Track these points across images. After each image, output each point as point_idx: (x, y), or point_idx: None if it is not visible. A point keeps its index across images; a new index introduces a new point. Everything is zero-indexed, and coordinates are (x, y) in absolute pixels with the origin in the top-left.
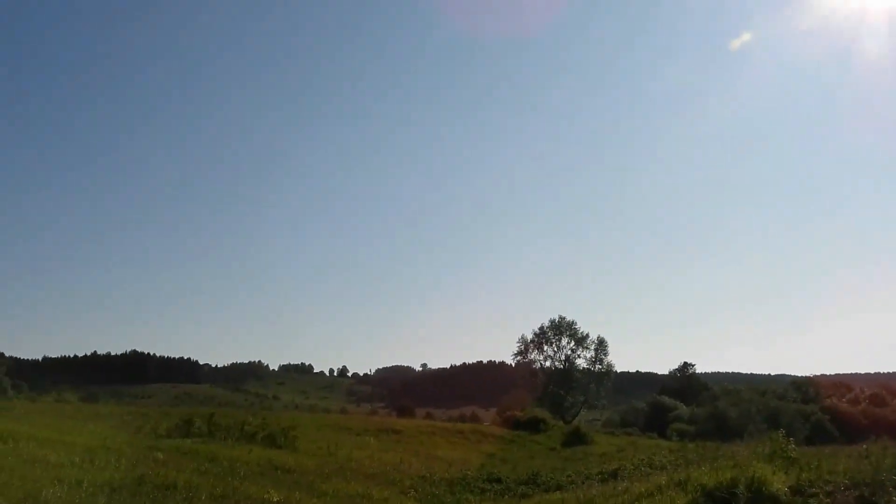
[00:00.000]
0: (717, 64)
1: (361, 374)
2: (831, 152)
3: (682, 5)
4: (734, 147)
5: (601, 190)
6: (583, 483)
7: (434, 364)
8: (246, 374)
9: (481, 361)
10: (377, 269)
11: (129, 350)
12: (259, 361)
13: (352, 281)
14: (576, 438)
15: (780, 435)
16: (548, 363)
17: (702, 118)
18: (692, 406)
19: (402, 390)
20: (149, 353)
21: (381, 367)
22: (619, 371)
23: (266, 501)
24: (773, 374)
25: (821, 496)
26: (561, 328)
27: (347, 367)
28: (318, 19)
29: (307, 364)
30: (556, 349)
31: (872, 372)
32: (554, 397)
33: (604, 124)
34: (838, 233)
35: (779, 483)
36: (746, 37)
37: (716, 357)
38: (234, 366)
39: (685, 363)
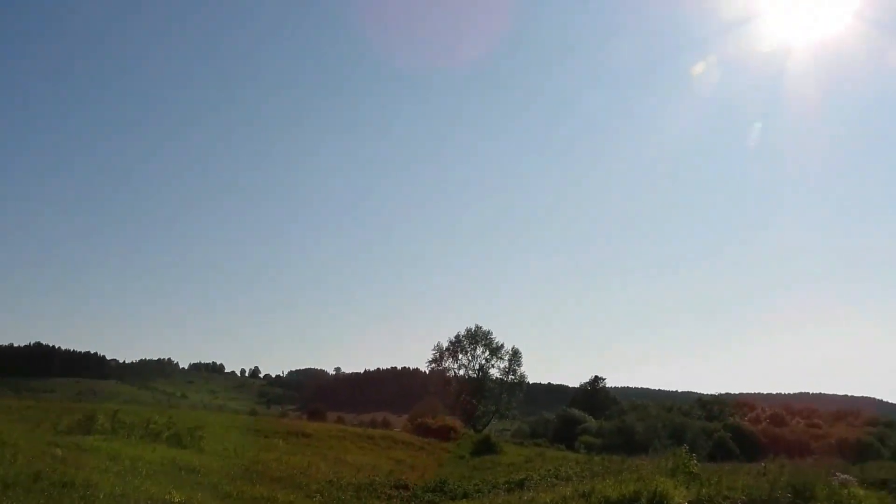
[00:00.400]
0: (646, 93)
1: (274, 376)
2: (753, 182)
3: (606, 34)
4: (656, 171)
5: (522, 204)
6: (489, 492)
7: (348, 368)
8: (154, 372)
9: (396, 367)
10: (293, 270)
11: (32, 342)
12: (168, 359)
13: (266, 281)
14: (485, 447)
15: (684, 451)
16: (462, 372)
17: (630, 142)
18: (601, 419)
19: (314, 394)
20: (53, 346)
21: (294, 369)
22: (531, 382)
23: (167, 502)
24: (680, 390)
25: None
26: (476, 337)
27: (259, 368)
28: (240, 56)
29: (218, 363)
30: (470, 358)
31: (774, 392)
32: (466, 406)
33: (529, 143)
34: (749, 258)
35: (679, 497)
36: (699, 68)
37: (626, 372)
38: (142, 362)
39: (596, 377)
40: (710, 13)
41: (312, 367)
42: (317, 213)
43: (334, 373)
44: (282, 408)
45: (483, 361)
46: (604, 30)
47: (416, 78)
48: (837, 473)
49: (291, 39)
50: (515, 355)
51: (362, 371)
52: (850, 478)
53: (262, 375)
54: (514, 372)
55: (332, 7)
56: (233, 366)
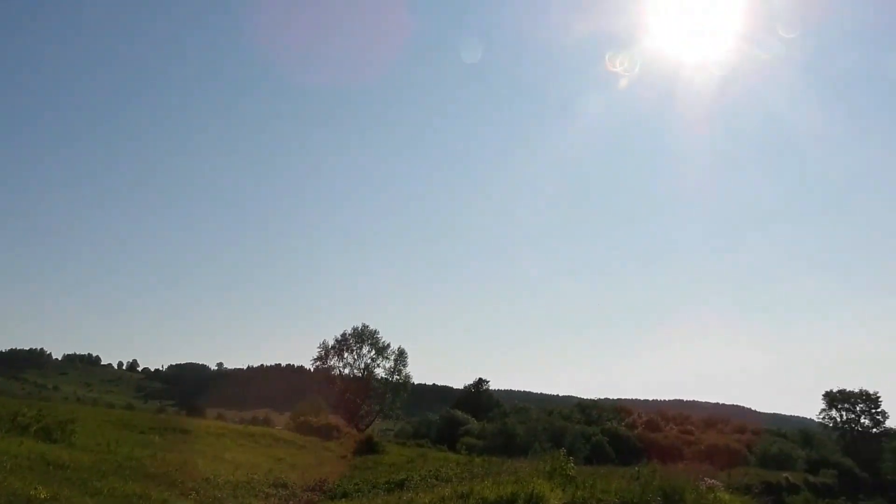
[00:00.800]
0: (543, 106)
1: (153, 370)
2: (642, 194)
3: (507, 51)
4: (549, 180)
5: (413, 206)
6: (369, 492)
7: (231, 364)
8: (25, 362)
9: (280, 365)
10: (177, 262)
11: None
12: (41, 349)
13: (147, 271)
14: (367, 447)
15: (562, 454)
16: (347, 370)
17: (527, 151)
18: (483, 421)
19: (194, 389)
20: None
21: (174, 363)
22: (416, 383)
23: (32, 498)
24: (561, 395)
25: None
26: (363, 336)
27: (138, 362)
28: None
29: (94, 355)
30: (356, 357)
31: (651, 399)
32: (350, 405)
33: (424, 150)
34: (630, 270)
35: (555, 499)
36: (593, 84)
37: (510, 376)
38: (12, 352)
39: (480, 379)
40: (602, 31)
41: (194, 361)
42: (199, 205)
43: (216, 368)
44: (160, 403)
45: (369, 361)
46: (505, 47)
47: (311, 92)
48: (706, 478)
49: (192, 54)
50: (401, 355)
51: (245, 367)
52: (717, 483)
53: (140, 369)
54: (400, 372)
55: (231, 23)
56: (109, 358)
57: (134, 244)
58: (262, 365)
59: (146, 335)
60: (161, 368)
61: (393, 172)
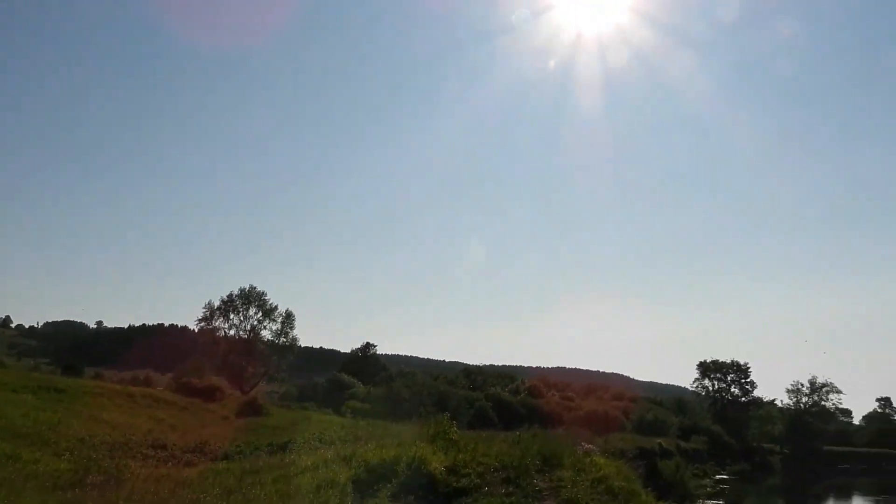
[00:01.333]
0: (441, 79)
1: (27, 327)
2: (539, 168)
3: (405, 19)
4: (442, 151)
5: (304, 170)
6: (251, 454)
7: (111, 322)
8: None
9: (162, 324)
10: (55, 216)
11: None
12: None
13: (21, 222)
14: (251, 409)
15: (446, 418)
16: (232, 332)
17: (423, 126)
18: (369, 385)
19: (72, 347)
20: None
21: (50, 320)
22: (303, 346)
23: None
24: (447, 360)
25: (472, 476)
26: (250, 298)
27: (11, 318)
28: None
29: None
30: (242, 318)
31: (534, 366)
32: (234, 367)
33: (314, 120)
34: (518, 240)
35: (437, 462)
36: (491, 54)
37: (398, 340)
38: None
39: (367, 344)
40: (505, 4)
41: (71, 319)
42: (81, 161)
43: (95, 326)
44: (34, 361)
45: (255, 322)
46: (402, 15)
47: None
48: (583, 443)
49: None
50: (289, 318)
51: (126, 326)
52: (594, 448)
53: (13, 325)
54: (287, 335)
55: None
56: None
57: (7, 195)
58: (143, 324)
59: (20, 290)
60: (36, 325)
61: (283, 133)
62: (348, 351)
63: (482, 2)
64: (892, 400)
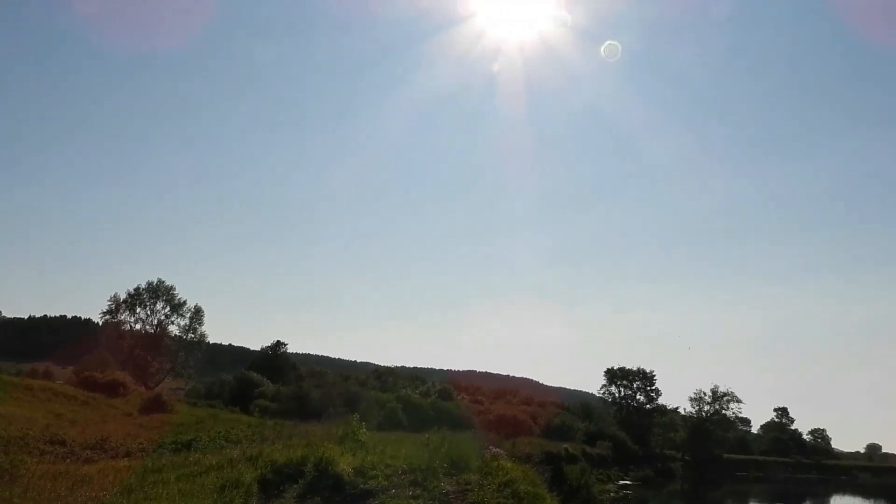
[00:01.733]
0: (362, 88)
1: None
2: (466, 166)
3: (326, 27)
4: (364, 152)
5: (220, 165)
6: (154, 451)
7: (9, 312)
8: None
9: (65, 316)
10: None
11: None
12: None
13: None
14: (155, 406)
15: (355, 419)
16: (138, 326)
17: (341, 136)
18: (278, 384)
19: None
20: None
21: None
22: (212, 342)
23: None
24: (359, 361)
25: (380, 478)
26: (158, 292)
27: None
28: None
29: None
30: (149, 312)
31: (446, 369)
32: (139, 362)
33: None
34: (433, 242)
35: (345, 463)
36: (417, 65)
37: (309, 340)
38: None
39: (278, 342)
40: (428, 11)
41: None
42: None
43: None
44: None
45: (162, 317)
46: (323, 23)
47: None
48: (491, 447)
49: None
50: (198, 313)
51: (26, 317)
52: (501, 451)
53: None
54: (195, 330)
55: None
56: None
57: None
58: (45, 315)
59: None
60: None
61: (197, 129)
62: (258, 349)
63: (405, 9)
64: (789, 410)
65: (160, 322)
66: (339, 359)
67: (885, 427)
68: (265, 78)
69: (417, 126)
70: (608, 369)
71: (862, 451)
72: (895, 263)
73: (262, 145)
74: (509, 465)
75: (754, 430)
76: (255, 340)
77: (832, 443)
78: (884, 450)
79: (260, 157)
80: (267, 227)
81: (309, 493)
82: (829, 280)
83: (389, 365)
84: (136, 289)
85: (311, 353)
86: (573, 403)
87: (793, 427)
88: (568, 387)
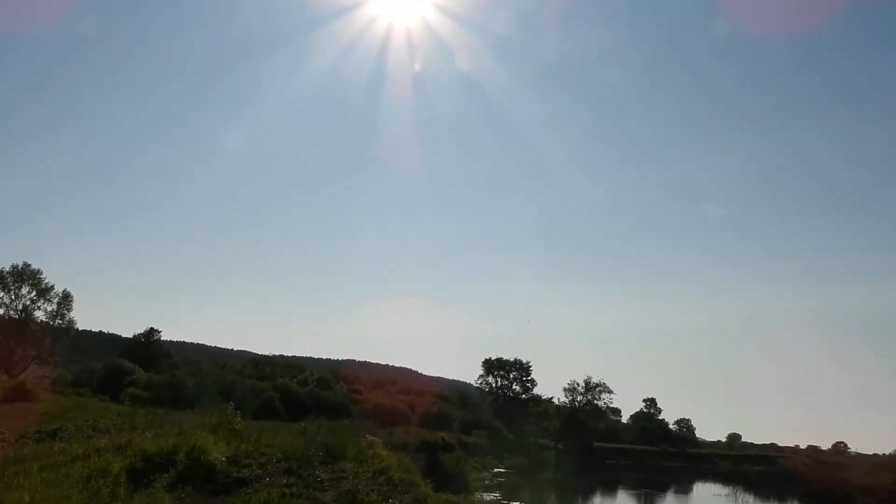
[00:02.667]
0: (245, 76)
1: None
2: (355, 156)
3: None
4: (247, 142)
5: (96, 148)
6: (16, 441)
7: None
8: None
9: None
10: None
11: None
12: None
13: None
14: (19, 394)
15: (230, 408)
16: (1, 311)
17: (229, 120)
18: (151, 372)
19: None
20: None
21: None
22: (81, 329)
23: None
24: (235, 349)
25: (254, 466)
26: (23, 275)
27: None
28: None
29: None
30: (13, 297)
31: (324, 358)
32: (2, 349)
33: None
34: (312, 231)
35: (218, 452)
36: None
37: (184, 327)
38: None
39: (151, 329)
40: (311, 2)
41: None
42: None
43: None
44: None
45: (28, 302)
46: (209, 8)
47: None
48: (367, 436)
49: None
50: (66, 299)
51: None
52: (377, 440)
53: None
54: (63, 316)
55: None
56: None
57: None
58: None
59: None
60: None
61: (73, 110)
62: (130, 336)
63: None
64: (657, 401)
65: (25, 307)
66: (215, 347)
67: (745, 417)
68: (140, 69)
69: (305, 112)
70: (486, 360)
71: (723, 440)
72: (763, 264)
73: (138, 129)
74: (385, 453)
75: (624, 419)
76: (127, 327)
77: (696, 432)
78: (743, 439)
79: (133, 140)
80: (141, 211)
81: (180, 483)
82: (699, 278)
83: (267, 354)
84: (0, 272)
85: (187, 340)
86: (451, 393)
87: (660, 417)
88: (446, 377)
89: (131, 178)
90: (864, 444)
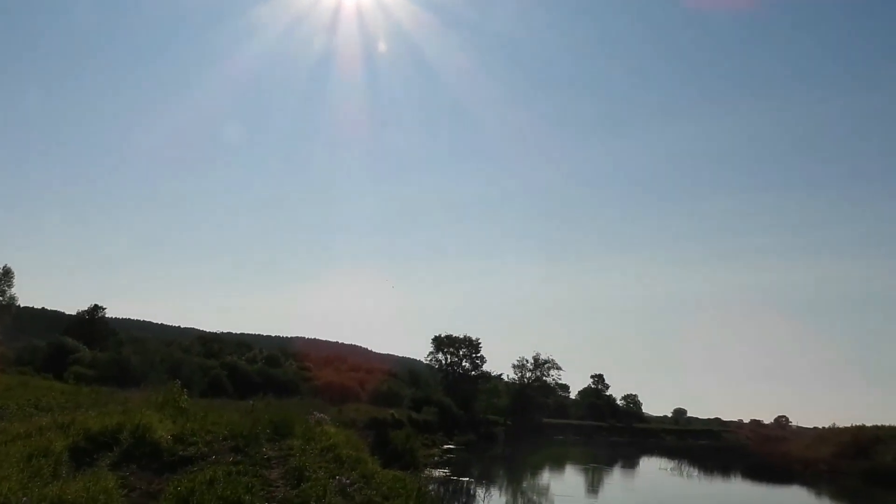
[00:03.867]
0: (207, 43)
1: None
2: (304, 132)
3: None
4: (195, 116)
5: (35, 117)
6: None
7: None
8: None
9: None
10: None
11: None
12: None
13: None
14: None
15: (176, 386)
16: None
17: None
18: (96, 350)
19: None
20: None
21: None
22: (22, 306)
23: None
24: (182, 326)
25: (200, 444)
26: None
27: None
28: None
29: None
30: None
31: (274, 335)
32: None
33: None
34: (261, 207)
35: (164, 431)
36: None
37: (130, 304)
38: None
39: (96, 306)
40: None
41: None
42: None
43: None
44: None
45: None
46: None
47: None
48: (316, 413)
49: None
50: (6, 275)
51: None
52: (326, 417)
53: None
54: (4, 293)
55: None
56: None
57: None
58: None
59: None
60: None
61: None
62: (74, 313)
63: None
64: (605, 376)
65: None
66: (161, 324)
67: (691, 393)
68: (77, 39)
69: (252, 89)
70: (435, 337)
71: (669, 415)
72: (708, 242)
73: (78, 102)
74: (332, 430)
75: (573, 395)
76: (71, 304)
77: (643, 407)
78: (689, 414)
79: (75, 113)
80: (83, 186)
81: (124, 461)
82: (646, 255)
83: (215, 331)
84: None
85: (132, 318)
86: (401, 370)
87: (608, 393)
88: (396, 354)
89: (73, 151)
90: (805, 418)
